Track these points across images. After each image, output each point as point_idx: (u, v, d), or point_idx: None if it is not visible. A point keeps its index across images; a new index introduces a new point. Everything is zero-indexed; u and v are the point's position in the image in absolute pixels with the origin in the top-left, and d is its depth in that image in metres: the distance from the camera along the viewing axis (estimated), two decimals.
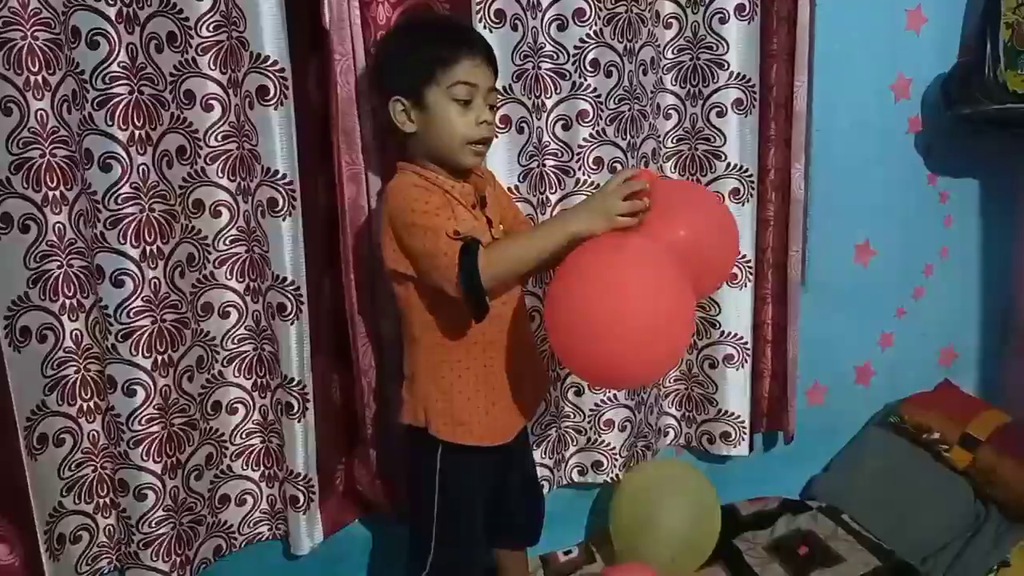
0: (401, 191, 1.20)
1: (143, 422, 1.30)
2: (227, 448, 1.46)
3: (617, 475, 1.71)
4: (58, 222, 1.27)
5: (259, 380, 1.46)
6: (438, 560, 1.30)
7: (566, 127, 1.51)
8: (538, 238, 1.16)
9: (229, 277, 1.39)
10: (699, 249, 1.23)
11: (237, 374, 1.44)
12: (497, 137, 1.29)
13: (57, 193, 1.26)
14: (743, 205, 1.65)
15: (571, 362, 1.15)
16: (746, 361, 1.75)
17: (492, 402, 1.27)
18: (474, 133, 1.21)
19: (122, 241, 1.23)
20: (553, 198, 1.54)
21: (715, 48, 1.57)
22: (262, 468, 1.50)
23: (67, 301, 1.30)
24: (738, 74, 1.59)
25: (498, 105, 1.29)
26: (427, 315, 1.24)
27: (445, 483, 1.28)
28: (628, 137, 1.53)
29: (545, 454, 1.68)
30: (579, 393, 1.66)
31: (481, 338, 1.25)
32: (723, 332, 1.73)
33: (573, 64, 1.47)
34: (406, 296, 1.25)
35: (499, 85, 1.41)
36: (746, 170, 1.64)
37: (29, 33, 1.19)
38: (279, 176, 1.30)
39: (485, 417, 1.27)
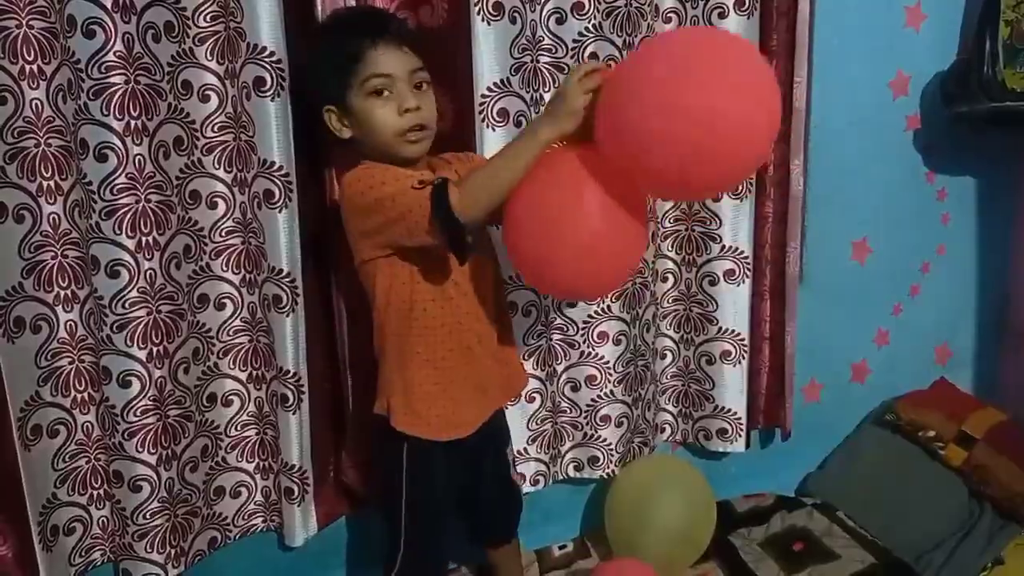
0: (356, 177, 1.16)
1: (138, 413, 1.29)
2: (222, 440, 1.46)
3: (613, 471, 1.71)
4: (53, 212, 1.27)
5: (254, 372, 1.45)
6: (407, 557, 1.28)
7: None
8: (508, 157, 1.09)
9: (225, 269, 1.39)
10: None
11: (232, 366, 1.44)
12: (427, 126, 1.19)
13: (52, 183, 1.26)
14: (741, 201, 1.65)
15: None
16: (743, 358, 1.75)
17: (449, 395, 1.24)
18: (401, 123, 1.15)
19: (117, 232, 1.23)
20: None
21: None
22: (257, 460, 1.50)
23: (61, 292, 1.30)
24: None
25: (429, 83, 1.20)
26: (388, 303, 1.21)
27: (411, 477, 1.26)
28: None
29: (541, 449, 1.68)
30: (576, 388, 1.66)
31: (439, 328, 1.21)
32: (720, 328, 1.73)
33: (572, 58, 1.46)
34: (370, 285, 1.22)
35: (498, 78, 1.41)
36: None
37: (24, 22, 1.19)
38: (275, 167, 1.29)
39: (442, 410, 1.24)
